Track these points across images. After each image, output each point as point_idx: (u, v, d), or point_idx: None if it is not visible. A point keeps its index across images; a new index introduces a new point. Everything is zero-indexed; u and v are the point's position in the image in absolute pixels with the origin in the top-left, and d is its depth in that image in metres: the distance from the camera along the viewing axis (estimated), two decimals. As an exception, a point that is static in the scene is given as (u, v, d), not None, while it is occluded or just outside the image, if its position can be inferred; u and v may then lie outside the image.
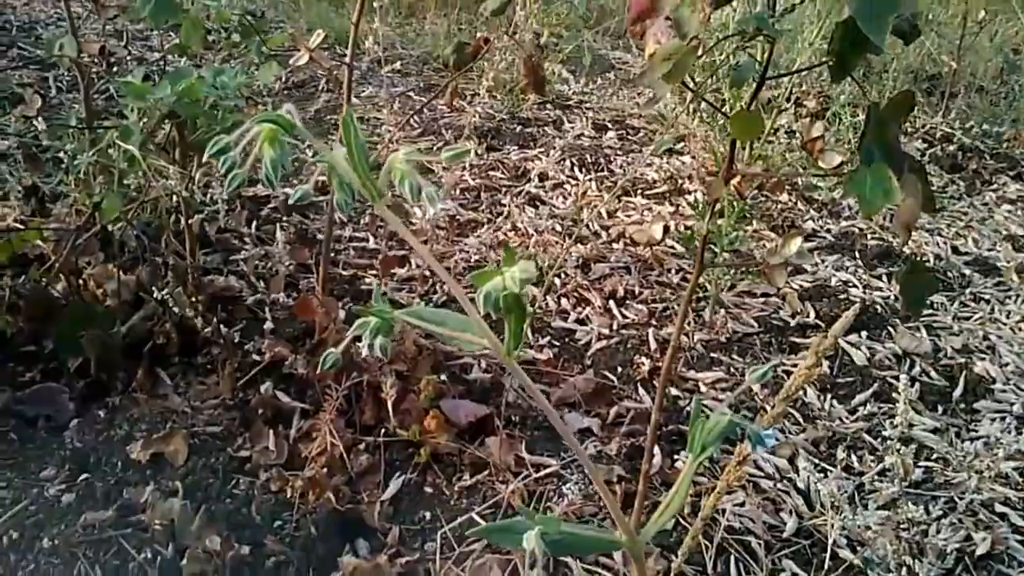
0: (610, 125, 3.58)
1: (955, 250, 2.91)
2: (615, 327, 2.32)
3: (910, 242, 2.91)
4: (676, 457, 1.87)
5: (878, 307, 2.49)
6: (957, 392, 2.17)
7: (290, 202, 0.57)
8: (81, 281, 2.01)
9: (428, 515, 1.66)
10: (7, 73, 3.46)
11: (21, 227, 2.08)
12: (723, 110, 1.37)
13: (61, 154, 1.96)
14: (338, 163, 0.61)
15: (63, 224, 2.08)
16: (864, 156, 1.26)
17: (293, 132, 0.61)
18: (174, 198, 1.95)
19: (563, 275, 2.50)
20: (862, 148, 1.28)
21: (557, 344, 2.23)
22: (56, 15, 4.24)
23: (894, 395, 2.12)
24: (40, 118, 1.88)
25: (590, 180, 3.09)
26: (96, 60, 2.17)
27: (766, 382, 2.15)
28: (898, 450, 1.56)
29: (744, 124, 1.26)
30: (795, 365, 2.21)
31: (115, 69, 2.89)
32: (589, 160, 3.23)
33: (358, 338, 0.66)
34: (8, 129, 2.20)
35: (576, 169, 3.18)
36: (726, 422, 0.57)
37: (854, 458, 1.92)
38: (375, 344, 0.65)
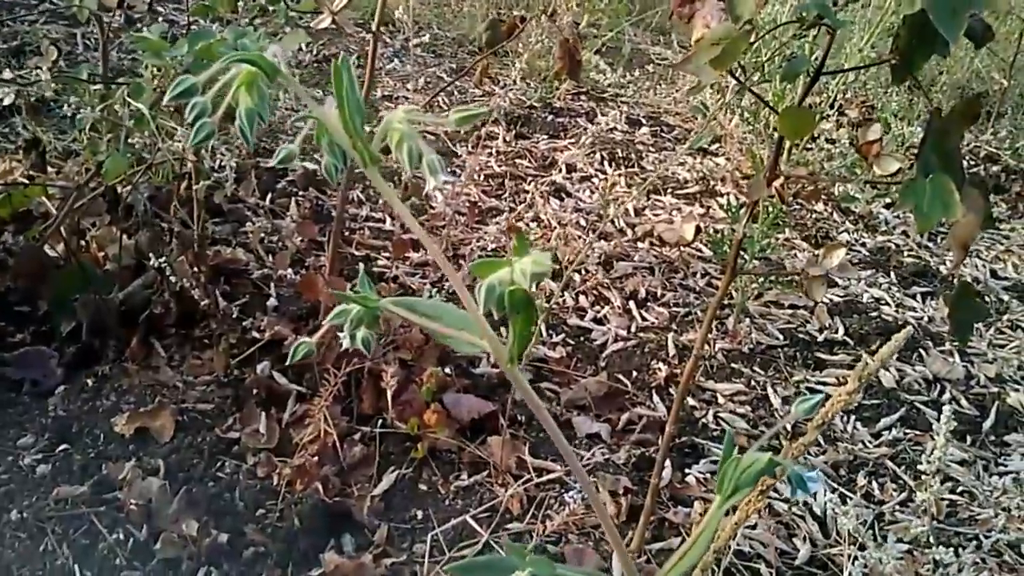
0: (644, 120, 3.47)
1: (994, 274, 2.78)
2: (633, 329, 2.22)
3: (946, 264, 2.78)
4: (687, 471, 1.77)
5: (911, 328, 2.37)
6: (988, 423, 2.05)
7: (273, 162, 0.47)
8: (83, 243, 1.93)
9: (420, 514, 1.57)
10: (35, 27, 3.39)
11: (25, 183, 1.99)
12: (771, 105, 1.28)
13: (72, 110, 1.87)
14: (327, 119, 0.51)
15: (71, 182, 2.00)
16: (922, 166, 1.16)
17: (276, 78, 0.51)
18: (184, 163, 1.86)
19: (583, 271, 2.40)
20: (920, 157, 1.18)
21: (571, 343, 2.13)
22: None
23: (925, 422, 2.02)
24: (47, 70, 1.79)
25: (619, 175, 2.98)
26: (117, 15, 2.08)
27: (788, 398, 2.05)
28: (931, 487, 1.45)
29: (794, 121, 1.16)
30: (820, 383, 2.11)
31: (139, 27, 2.81)
32: (620, 154, 3.12)
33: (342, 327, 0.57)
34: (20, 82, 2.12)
35: (606, 163, 3.07)
36: (765, 462, 0.48)
37: (875, 485, 1.82)
38: (356, 337, 0.55)
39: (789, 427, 1.95)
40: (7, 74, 1.95)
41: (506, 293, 0.46)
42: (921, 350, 2.28)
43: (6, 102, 1.91)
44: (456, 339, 0.52)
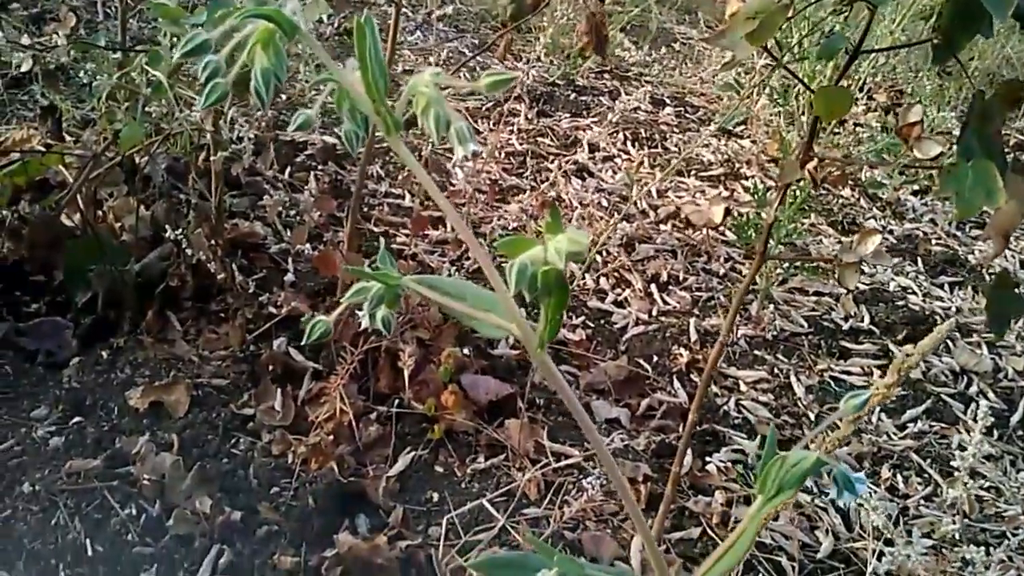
0: (668, 101, 3.40)
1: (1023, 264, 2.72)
2: (655, 313, 2.18)
3: (975, 253, 2.72)
4: (708, 459, 1.73)
5: (938, 318, 2.32)
6: (1016, 417, 2.01)
7: (290, 129, 0.43)
8: (100, 213, 1.91)
9: (436, 497, 1.54)
10: (56, -8, 3.36)
11: (42, 151, 1.97)
12: (806, 83, 1.24)
13: (89, 78, 1.84)
14: (348, 83, 0.48)
15: (88, 151, 1.97)
16: (963, 150, 1.11)
17: (294, 35, 0.48)
18: (202, 134, 1.83)
19: (605, 252, 2.36)
20: (961, 141, 1.13)
21: (591, 325, 2.09)
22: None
23: (951, 415, 1.98)
24: (65, 37, 1.76)
25: (643, 155, 2.93)
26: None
27: (812, 387, 2.01)
28: (964, 484, 1.41)
29: (830, 100, 1.11)
30: (845, 372, 2.07)
31: (160, -5, 2.77)
32: (643, 135, 3.07)
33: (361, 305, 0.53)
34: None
35: (629, 143, 3.02)
36: (812, 461, 0.44)
37: (900, 479, 1.78)
38: (376, 316, 0.52)
39: (812, 417, 1.91)
40: (25, 40, 1.92)
41: (539, 273, 0.42)
42: (949, 341, 2.23)
43: (24, 69, 1.88)
44: (482, 321, 0.48)
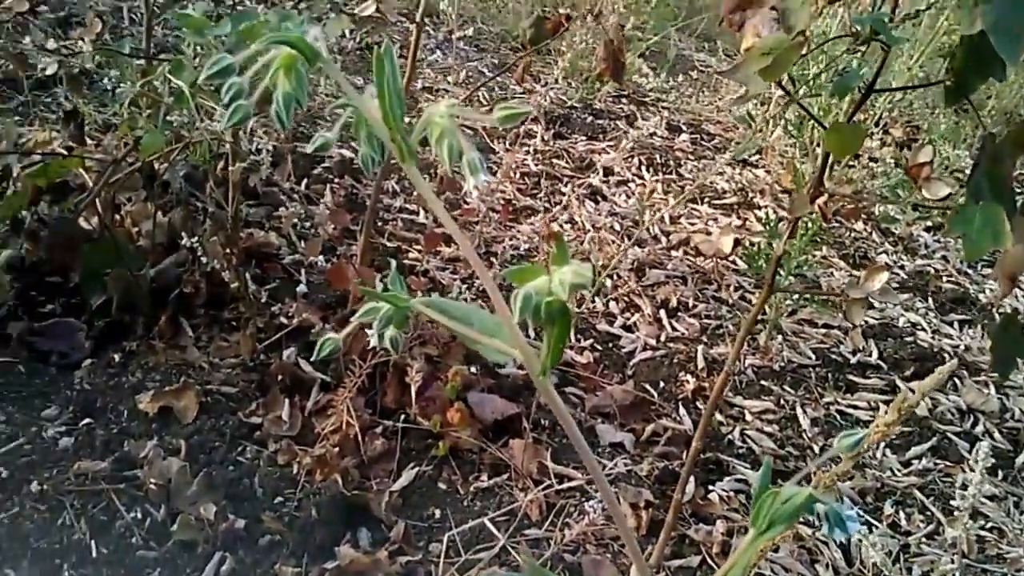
0: (684, 127, 3.42)
1: (1034, 305, 2.71)
2: (663, 339, 2.19)
3: (986, 292, 2.72)
4: (711, 488, 1.74)
5: (946, 355, 2.32)
6: (1021, 459, 2.00)
7: (309, 149, 0.45)
8: (118, 217, 1.93)
9: (438, 513, 1.55)
10: (83, -2, 3.40)
11: (63, 153, 2.00)
12: (819, 120, 1.25)
13: (113, 84, 1.87)
14: (366, 109, 0.49)
15: (108, 156, 2.00)
16: (972, 191, 1.12)
17: (316, 62, 0.49)
18: (222, 144, 1.85)
19: (615, 276, 2.37)
20: (971, 182, 1.14)
21: (599, 348, 2.10)
22: (140, -54, 4.18)
23: (957, 453, 1.98)
24: (90, 42, 1.79)
25: (656, 181, 2.94)
26: (162, -10, 2.08)
27: (817, 420, 2.01)
28: (964, 524, 1.41)
29: (842, 137, 1.12)
30: (851, 406, 2.07)
31: (185, 4, 2.81)
32: (658, 160, 3.09)
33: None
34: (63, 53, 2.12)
35: (643, 168, 3.03)
36: (804, 497, 0.45)
37: (902, 515, 1.78)
38: (385, 336, 0.53)
39: (817, 449, 1.91)
40: (51, 44, 1.95)
41: (543, 304, 0.44)
42: (956, 379, 2.23)
43: (49, 72, 1.91)
44: (486, 346, 0.50)
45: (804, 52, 1.08)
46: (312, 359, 1.70)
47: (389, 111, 0.47)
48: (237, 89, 0.47)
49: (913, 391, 1.13)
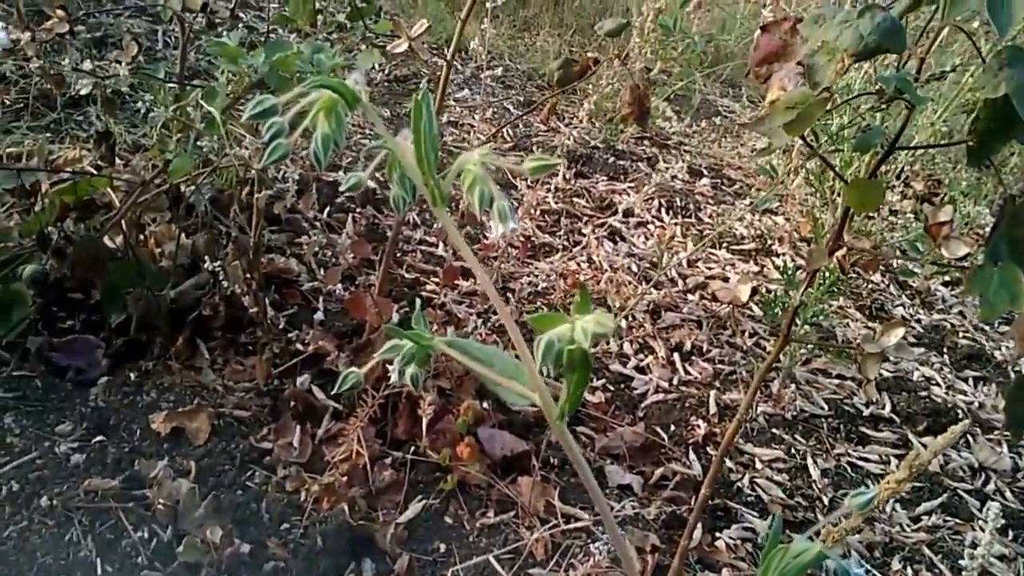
0: (706, 172, 3.44)
1: (1050, 366, 2.70)
2: (676, 382, 2.19)
3: (1002, 349, 2.71)
4: (718, 535, 1.73)
5: (960, 412, 2.31)
6: (1033, 520, 1.98)
7: (341, 189, 0.46)
8: (142, 237, 1.95)
9: (443, 548, 1.55)
10: (119, 20, 3.47)
11: (92, 172, 2.03)
12: (841, 174, 1.26)
13: (145, 106, 1.90)
14: (401, 153, 0.51)
15: (136, 176, 2.03)
16: (991, 252, 1.13)
17: (356, 106, 0.51)
18: (249, 170, 1.88)
19: (631, 318, 2.38)
20: (990, 243, 1.14)
21: (611, 389, 2.10)
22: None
23: (967, 511, 1.96)
24: (126, 64, 1.82)
25: (676, 224, 2.96)
26: (199, 17, 2.11)
27: (827, 471, 2.00)
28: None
29: (863, 193, 1.14)
30: (862, 458, 2.06)
31: (220, 31, 2.86)
32: (678, 203, 3.10)
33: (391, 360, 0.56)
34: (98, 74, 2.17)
35: (663, 211, 3.05)
36: (814, 553, 0.45)
37: (910, 571, 1.76)
38: (406, 372, 0.54)
39: (826, 500, 1.90)
40: (87, 65, 1.99)
41: (564, 351, 0.45)
42: (969, 436, 2.22)
43: (83, 92, 1.95)
44: (506, 388, 0.51)
45: (828, 108, 1.09)
46: (333, 392, 1.71)
47: (424, 156, 0.49)
48: (278, 128, 0.49)
49: (925, 446, 1.13)
